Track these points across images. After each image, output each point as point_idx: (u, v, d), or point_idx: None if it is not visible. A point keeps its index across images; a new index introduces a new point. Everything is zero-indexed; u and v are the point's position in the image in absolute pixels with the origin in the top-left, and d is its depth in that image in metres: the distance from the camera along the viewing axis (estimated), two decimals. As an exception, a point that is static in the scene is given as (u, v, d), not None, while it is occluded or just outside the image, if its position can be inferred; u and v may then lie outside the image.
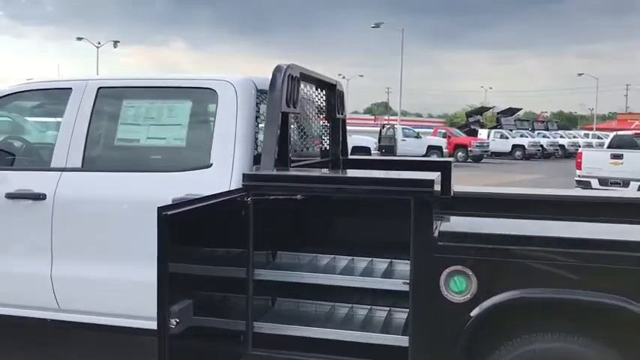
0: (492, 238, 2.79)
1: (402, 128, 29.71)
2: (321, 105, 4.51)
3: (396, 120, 40.41)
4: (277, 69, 3.40)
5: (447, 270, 2.77)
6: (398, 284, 2.95)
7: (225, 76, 3.57)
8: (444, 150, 28.48)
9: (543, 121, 50.78)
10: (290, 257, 3.55)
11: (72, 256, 3.54)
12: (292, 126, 3.88)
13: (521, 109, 49.23)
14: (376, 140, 26.64)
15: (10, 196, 3.59)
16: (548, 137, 38.69)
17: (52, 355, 4.26)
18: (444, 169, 4.38)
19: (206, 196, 2.71)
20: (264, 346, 3.09)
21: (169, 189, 3.38)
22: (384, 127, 29.75)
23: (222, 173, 3.36)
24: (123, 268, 3.41)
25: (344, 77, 73.57)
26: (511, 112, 43.19)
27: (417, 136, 29.04)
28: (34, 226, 3.57)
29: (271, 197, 2.98)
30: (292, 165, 3.68)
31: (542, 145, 36.05)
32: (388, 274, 3.30)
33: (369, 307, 3.41)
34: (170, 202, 3.22)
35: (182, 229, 2.44)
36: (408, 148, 27.40)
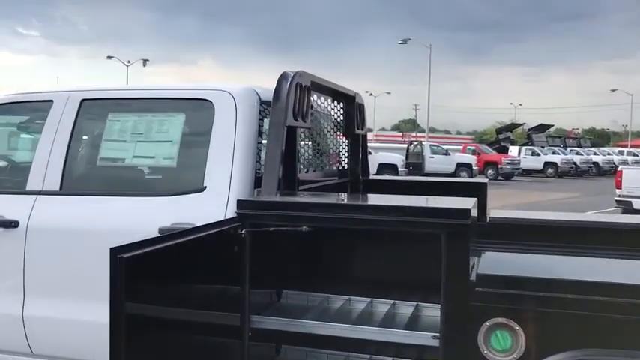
0: (547, 283, 2.22)
1: (430, 145, 28.99)
2: (339, 119, 3.99)
3: (424, 137, 39.69)
4: (283, 76, 2.90)
5: (488, 322, 2.21)
6: (426, 338, 2.39)
7: (223, 86, 3.08)
8: (474, 167, 27.67)
9: (575, 138, 49.47)
10: (298, 297, 3.01)
11: (46, 293, 3.05)
12: (302, 143, 3.37)
13: (552, 125, 48.05)
14: (403, 157, 25.99)
15: (-21, 223, 3.13)
16: (582, 154, 37.54)
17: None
18: (479, 191, 3.83)
19: (184, 231, 2.19)
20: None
21: (156, 217, 2.89)
22: (411, 144, 29.08)
23: (217, 198, 2.86)
24: (106, 309, 2.91)
25: (371, 94, 73.34)
26: (542, 128, 42.12)
27: (446, 154, 28.29)
28: (5, 257, 3.10)
29: (271, 229, 2.46)
30: (302, 187, 3.16)
31: (575, 163, 34.95)
32: (414, 322, 2.74)
33: (390, 359, 2.85)
34: (157, 233, 2.76)
35: (147, 274, 1.92)
36: (437, 165, 26.67)
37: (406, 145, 29.73)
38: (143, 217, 2.91)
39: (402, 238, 2.78)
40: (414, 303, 2.89)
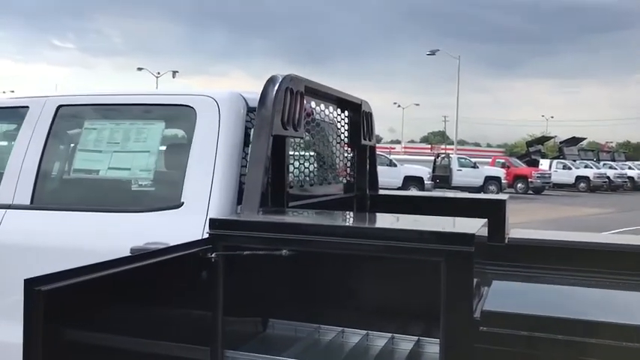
0: (571, 324, 1.84)
1: (458, 158, 28.42)
2: (343, 129, 3.68)
3: (453, 149, 39.06)
4: (270, 80, 2.59)
5: (495, 369, 1.86)
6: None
7: (206, 91, 2.79)
8: (503, 181, 27.00)
9: (609, 151, 48.14)
10: (286, 327, 2.67)
11: (13, 318, 2.78)
12: (300, 154, 3.06)
13: (585, 138, 46.88)
14: (430, 170, 25.49)
15: (-55, 238, 2.89)
16: (616, 168, 36.43)
17: None
18: (497, 209, 3.47)
19: (138, 255, 1.89)
20: None
21: (128, 235, 2.60)
22: (438, 157, 28.55)
23: (195, 215, 2.56)
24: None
25: (399, 106, 72.80)
26: (574, 141, 41.07)
27: (474, 166, 27.67)
28: (-30, 277, 2.84)
29: (245, 253, 2.14)
30: (299, 203, 2.84)
31: (608, 177, 33.92)
32: (414, 359, 2.39)
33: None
34: (128, 253, 2.47)
35: (77, 311, 1.61)
36: (464, 178, 26.10)
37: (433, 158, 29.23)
38: (114, 236, 2.63)
39: (403, 263, 2.44)
40: (415, 337, 2.54)
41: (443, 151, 37.66)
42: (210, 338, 2.21)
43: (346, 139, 3.72)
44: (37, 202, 2.86)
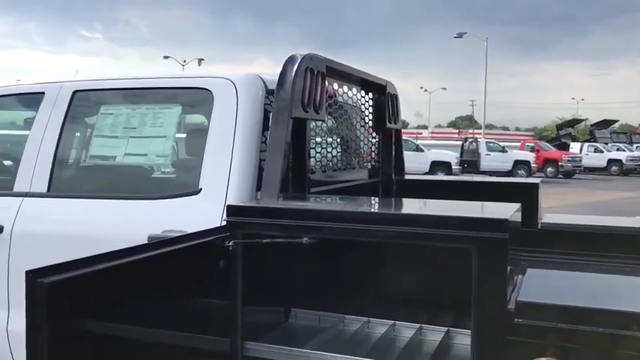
0: (611, 315, 1.71)
1: (486, 142, 27.96)
2: (368, 111, 3.55)
3: (481, 133, 38.47)
4: (289, 60, 2.48)
5: (531, 363, 1.73)
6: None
7: (224, 74, 2.68)
8: (532, 165, 26.49)
9: (643, 134, 46.91)
10: (309, 317, 2.58)
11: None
12: (321, 138, 2.94)
13: (617, 120, 45.74)
14: (458, 155, 25.12)
15: (-36, 227, 2.85)
16: (650, 151, 35.51)
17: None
18: (529, 193, 3.31)
19: (152, 244, 1.81)
20: None
21: (145, 223, 2.53)
22: (466, 141, 28.11)
23: (213, 202, 2.47)
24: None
25: (426, 90, 71.94)
26: (606, 124, 40.06)
27: (503, 150, 27.19)
28: (-11, 266, 2.81)
29: (264, 241, 2.04)
30: (321, 189, 2.73)
31: (642, 160, 33.08)
32: (444, 352, 2.27)
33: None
34: (145, 240, 2.40)
35: (85, 305, 1.52)
36: (493, 163, 25.65)
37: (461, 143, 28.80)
38: (132, 223, 2.56)
39: (432, 251, 2.31)
40: (445, 328, 2.42)
41: (471, 136, 37.13)
42: (229, 329, 2.12)
43: (371, 123, 3.59)
44: (54, 190, 2.80)
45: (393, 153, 3.78)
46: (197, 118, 2.70)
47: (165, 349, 1.91)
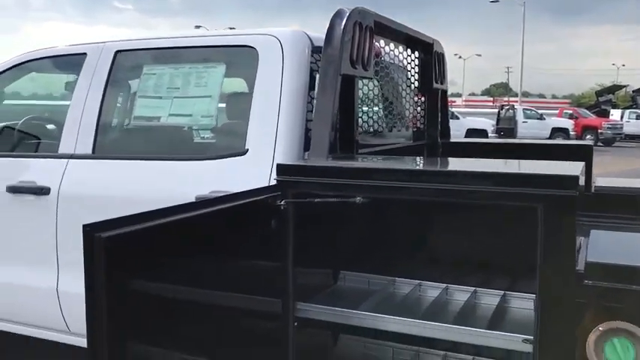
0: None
1: (523, 109, 27.37)
2: (413, 71, 3.43)
3: (517, 101, 37.64)
4: (337, 14, 2.37)
5: (601, 327, 1.65)
6: (515, 341, 1.85)
7: (270, 30, 2.60)
8: (571, 133, 25.86)
9: (687, 100, 45.26)
10: (358, 280, 2.53)
11: (80, 268, 2.74)
12: (364, 98, 2.85)
13: (660, 86, 44.18)
14: (494, 122, 24.65)
15: (12, 189, 2.87)
16: (695, 117, 34.27)
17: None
18: (583, 156, 3.17)
19: (205, 201, 1.76)
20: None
21: (192, 184, 2.49)
22: (502, 108, 27.55)
23: (260, 162, 2.41)
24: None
25: (460, 57, 70.50)
26: (649, 90, 38.75)
27: (540, 118, 26.60)
28: (38, 228, 2.82)
29: (315, 200, 1.97)
30: (364, 151, 2.65)
31: (687, 126, 31.98)
32: (500, 317, 2.19)
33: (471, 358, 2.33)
34: (193, 200, 2.36)
35: (143, 260, 1.49)
36: (530, 130, 25.13)
37: (497, 110, 28.23)
38: (178, 184, 2.52)
39: (489, 210, 2.22)
40: (501, 292, 2.33)
41: (507, 103, 36.35)
42: (280, 290, 2.08)
43: (416, 83, 3.48)
44: (98, 151, 2.79)
45: (439, 115, 3.67)
46: (242, 77, 2.63)
47: (217, 309, 1.88)
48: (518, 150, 3.65)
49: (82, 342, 2.84)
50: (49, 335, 2.92)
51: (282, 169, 2.06)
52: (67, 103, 2.95)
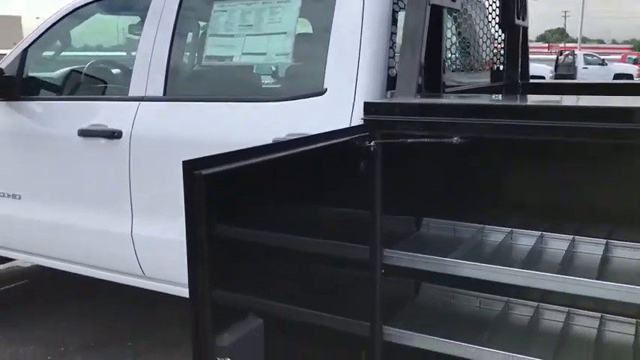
0: None
1: (584, 54, 26.13)
2: (494, 5, 3.19)
3: (574, 47, 35.94)
4: (425, -63, 2.17)
5: None
6: (630, 293, 1.70)
7: (349, -42, 2.41)
8: (635, 78, 24.62)
9: None
10: (443, 227, 2.40)
11: (154, 212, 2.72)
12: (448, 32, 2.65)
13: None
14: (552, 69, 23.65)
15: (83, 133, 2.83)
16: None
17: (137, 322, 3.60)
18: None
19: (292, 141, 1.65)
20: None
21: (268, 126, 2.38)
22: (561, 54, 26.37)
23: (340, 103, 2.28)
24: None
25: (515, 1, 67.34)
26: None
27: (602, 63, 25.38)
28: (110, 172, 2.79)
29: (410, 140, 1.83)
30: (447, 91, 2.48)
31: None
32: (602, 265, 2.03)
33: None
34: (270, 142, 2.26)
35: (237, 197, 1.40)
36: (591, 77, 24.02)
37: (554, 57, 27.05)
38: (253, 127, 2.42)
39: (589, 153, 2.03)
40: (602, 241, 2.17)
41: (565, 49, 34.76)
42: (367, 235, 1.98)
43: (497, 19, 3.24)
44: (170, 93, 2.70)
45: (520, 54, 3.43)
46: (319, 11, 2.46)
47: (305, 255, 1.79)
48: (605, 89, 3.39)
49: (157, 286, 2.85)
50: (124, 279, 2.92)
51: (370, 107, 1.92)
52: (123, 53, 2.86)
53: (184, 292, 2.77)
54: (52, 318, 3.61)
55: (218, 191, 1.28)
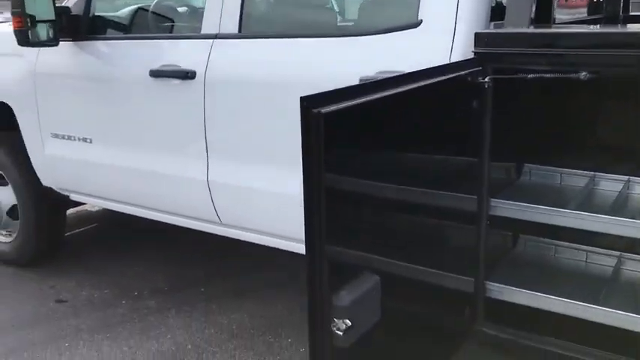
0: None
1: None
2: None
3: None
4: None
5: None
6: None
7: None
8: None
9: None
10: (547, 175, 2.18)
11: (230, 156, 2.59)
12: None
13: None
14: None
15: (155, 73, 2.69)
16: None
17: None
18: None
19: (402, 76, 1.45)
20: (499, 320, 1.90)
21: (355, 63, 2.19)
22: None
23: (438, 36, 2.04)
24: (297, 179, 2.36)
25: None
26: None
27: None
28: (184, 114, 2.66)
29: (531, 76, 1.61)
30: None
31: None
32: None
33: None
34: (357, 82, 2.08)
35: (353, 136, 1.23)
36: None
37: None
38: (339, 64, 2.23)
39: None
40: None
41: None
42: (474, 184, 1.79)
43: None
44: (245, 30, 2.52)
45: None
46: None
47: (411, 208, 1.62)
48: None
49: (234, 233, 2.75)
50: (199, 225, 2.84)
51: (483, 38, 1.70)
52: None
53: (263, 240, 2.69)
54: (123, 262, 3.60)
55: (337, 133, 1.11)
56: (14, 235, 3.53)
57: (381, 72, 2.10)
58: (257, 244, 2.67)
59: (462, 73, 1.63)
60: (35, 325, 2.94)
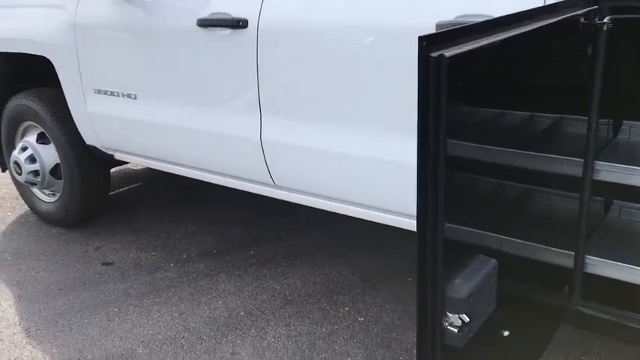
0: None
1: None
2: None
3: None
4: None
5: None
6: None
7: None
8: None
9: None
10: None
11: (287, 114, 2.37)
12: None
13: None
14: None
15: (203, 23, 2.47)
16: None
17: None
18: None
19: (511, 16, 1.20)
20: (596, 299, 1.68)
21: (431, 5, 1.94)
22: None
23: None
24: (371, 140, 2.14)
25: None
26: None
27: None
28: (235, 67, 2.44)
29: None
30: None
31: None
32: None
33: None
34: (433, 30, 1.84)
35: (472, 86, 1.00)
36: None
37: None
38: (411, 9, 1.97)
39: None
40: None
41: None
42: (579, 144, 1.55)
43: None
44: (303, -28, 2.27)
45: None
46: None
47: (518, 173, 1.40)
48: None
49: (288, 196, 2.56)
50: (250, 187, 2.66)
51: (601, -28, 1.42)
52: None
53: (319, 204, 2.50)
54: (170, 223, 3.47)
55: (461, 84, 0.88)
56: (58, 195, 3.42)
57: (461, 16, 1.85)
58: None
59: (576, 13, 1.37)
60: (82, 289, 2.84)
